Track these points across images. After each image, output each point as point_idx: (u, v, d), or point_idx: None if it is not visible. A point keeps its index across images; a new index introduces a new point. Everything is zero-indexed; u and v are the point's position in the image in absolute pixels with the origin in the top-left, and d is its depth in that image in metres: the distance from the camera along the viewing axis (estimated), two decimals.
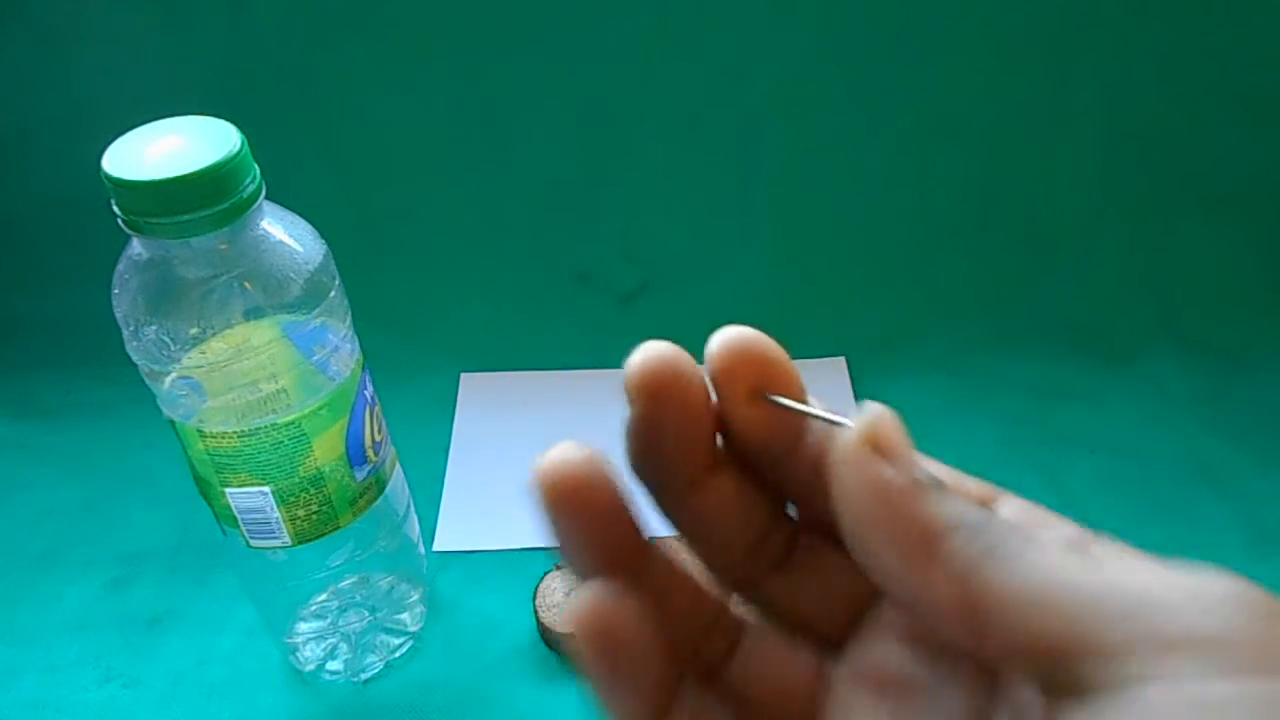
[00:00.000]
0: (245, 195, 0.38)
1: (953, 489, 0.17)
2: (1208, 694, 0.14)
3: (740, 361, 0.18)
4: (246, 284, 0.39)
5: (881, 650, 0.19)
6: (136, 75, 0.70)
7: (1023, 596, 0.16)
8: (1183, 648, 0.14)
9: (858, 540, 0.17)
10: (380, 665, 0.53)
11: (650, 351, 0.18)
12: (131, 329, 0.40)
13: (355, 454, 0.45)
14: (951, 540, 0.16)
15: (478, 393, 0.70)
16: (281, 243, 0.41)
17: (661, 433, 0.19)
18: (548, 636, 0.53)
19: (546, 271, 0.75)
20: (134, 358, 0.41)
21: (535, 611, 0.53)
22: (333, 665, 0.52)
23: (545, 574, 0.54)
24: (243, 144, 0.38)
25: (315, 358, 0.42)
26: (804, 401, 0.19)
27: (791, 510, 0.21)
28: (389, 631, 0.53)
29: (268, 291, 0.40)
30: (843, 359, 0.70)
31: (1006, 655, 0.16)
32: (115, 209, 0.37)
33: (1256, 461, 0.63)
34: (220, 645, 0.54)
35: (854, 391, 0.67)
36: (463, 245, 0.76)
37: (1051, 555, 0.16)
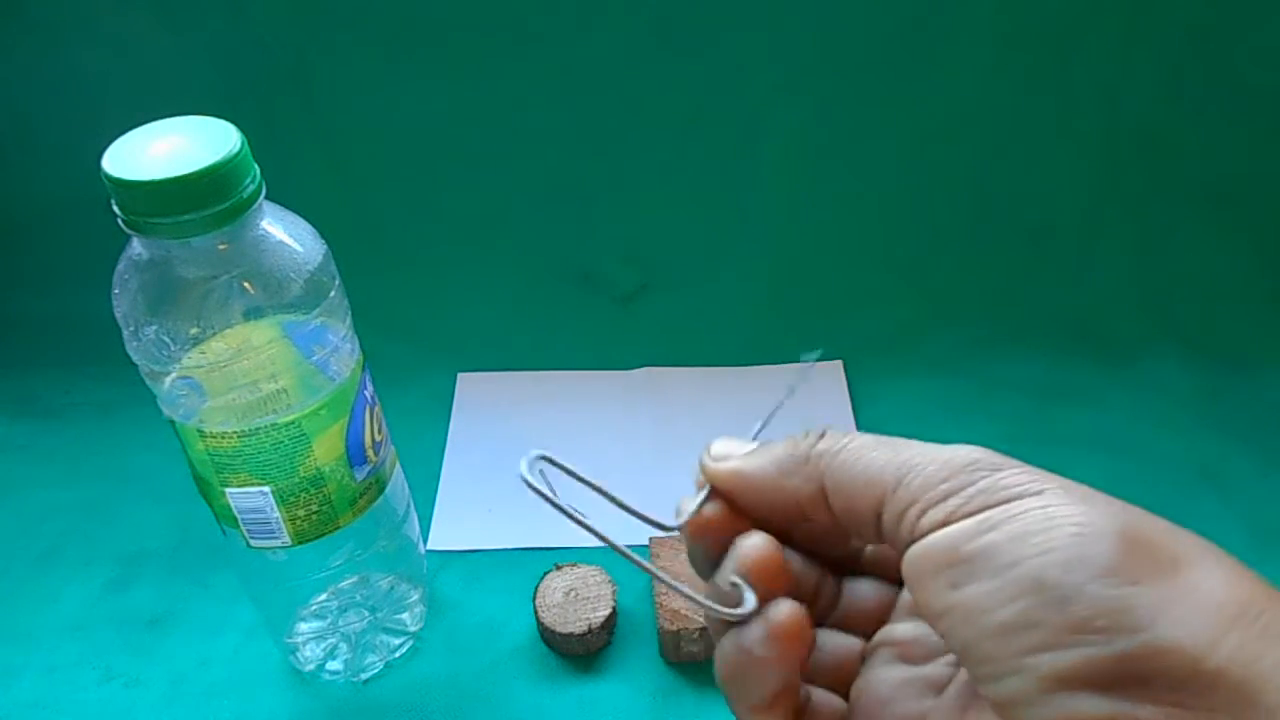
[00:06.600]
0: (245, 195, 0.38)
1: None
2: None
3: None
4: (246, 284, 0.39)
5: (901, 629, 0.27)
6: (136, 75, 0.70)
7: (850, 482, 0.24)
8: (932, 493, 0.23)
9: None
10: (380, 665, 0.53)
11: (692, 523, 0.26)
12: (131, 329, 0.40)
13: (355, 454, 0.45)
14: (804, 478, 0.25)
15: (475, 393, 0.70)
16: (281, 243, 0.41)
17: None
18: (548, 636, 0.53)
19: (546, 271, 0.75)
20: (134, 358, 0.41)
21: (535, 611, 0.53)
22: (333, 665, 0.52)
23: (545, 574, 0.54)
24: (243, 144, 0.38)
25: (315, 358, 0.42)
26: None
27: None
28: (389, 631, 0.53)
29: (268, 291, 0.40)
30: (839, 362, 0.70)
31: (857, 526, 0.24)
32: (115, 209, 0.37)
33: (1257, 461, 0.62)
34: (220, 645, 0.54)
35: (851, 395, 0.67)
36: (462, 245, 0.76)
37: (865, 452, 0.24)
